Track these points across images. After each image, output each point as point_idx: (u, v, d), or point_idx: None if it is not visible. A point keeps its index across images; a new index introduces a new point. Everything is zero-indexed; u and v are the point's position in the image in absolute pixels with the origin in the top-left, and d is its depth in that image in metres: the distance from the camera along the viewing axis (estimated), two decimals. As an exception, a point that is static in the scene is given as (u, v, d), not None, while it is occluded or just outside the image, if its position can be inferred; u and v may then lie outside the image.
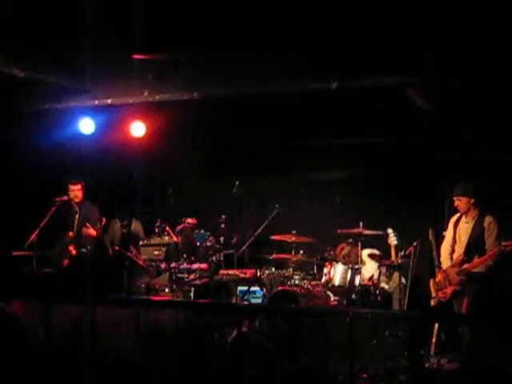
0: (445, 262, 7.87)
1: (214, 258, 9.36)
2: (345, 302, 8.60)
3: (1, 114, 8.88)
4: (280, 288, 8.72)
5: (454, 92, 7.61)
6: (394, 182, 9.35)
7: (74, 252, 9.11)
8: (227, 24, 6.41)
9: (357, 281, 8.63)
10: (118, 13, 6.59)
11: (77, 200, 9.27)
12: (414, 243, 8.26)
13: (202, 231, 9.62)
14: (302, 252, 9.13)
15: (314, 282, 8.96)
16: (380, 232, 8.62)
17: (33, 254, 8.70)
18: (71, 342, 6.59)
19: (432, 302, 7.89)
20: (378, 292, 8.61)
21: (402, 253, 8.33)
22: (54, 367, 6.36)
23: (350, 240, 9.01)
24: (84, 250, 9.16)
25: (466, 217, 7.81)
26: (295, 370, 6.45)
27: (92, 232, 9.10)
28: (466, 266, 7.60)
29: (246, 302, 8.97)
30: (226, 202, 9.66)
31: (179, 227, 9.89)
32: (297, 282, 8.92)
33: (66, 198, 9.19)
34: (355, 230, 8.65)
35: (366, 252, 8.95)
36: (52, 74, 8.24)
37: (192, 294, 9.05)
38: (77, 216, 9.24)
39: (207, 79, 7.97)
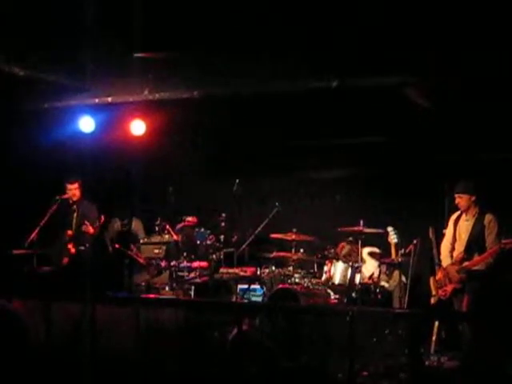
0: (445, 260, 7.87)
1: (214, 256, 9.36)
2: (345, 301, 8.59)
3: (1, 113, 8.88)
4: (280, 286, 8.73)
5: (453, 91, 7.62)
6: (394, 181, 9.36)
7: (73, 250, 9.12)
8: (227, 24, 6.41)
9: (357, 279, 8.63)
10: (119, 12, 6.59)
11: (74, 198, 9.29)
12: (414, 241, 8.26)
13: (202, 229, 9.62)
14: (302, 250, 9.13)
15: (314, 281, 8.96)
16: (380, 230, 8.62)
17: (33, 253, 8.71)
18: (71, 340, 6.60)
19: (432, 300, 7.89)
20: (378, 290, 8.62)
21: (403, 251, 8.33)
22: (54, 365, 6.37)
23: (351, 238, 9.01)
24: (83, 247, 9.17)
25: (466, 215, 7.81)
26: (295, 368, 6.46)
27: (91, 230, 9.10)
28: (466, 263, 7.60)
29: (246, 301, 8.98)
30: (226, 200, 9.66)
31: (179, 225, 9.89)
32: (297, 280, 8.92)
33: (66, 196, 9.21)
34: (355, 229, 8.66)
35: (366, 250, 8.95)
36: (52, 72, 8.25)
37: (192, 293, 9.06)
38: (75, 214, 9.27)
39: (207, 78, 7.97)
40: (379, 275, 8.80)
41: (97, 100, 8.91)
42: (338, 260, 8.88)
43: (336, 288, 8.76)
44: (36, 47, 7.35)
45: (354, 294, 8.60)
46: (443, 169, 8.89)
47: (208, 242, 9.42)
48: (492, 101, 7.67)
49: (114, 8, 6.57)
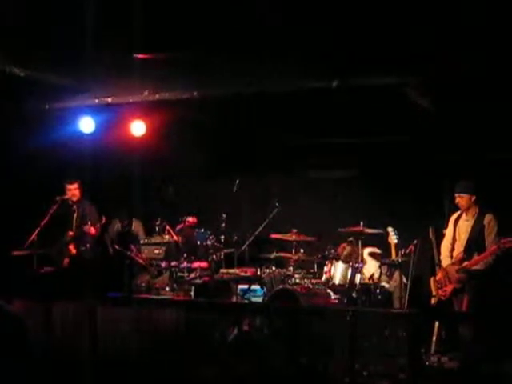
0: (445, 260, 7.87)
1: (214, 256, 9.37)
2: (345, 301, 8.59)
3: (2, 113, 8.88)
4: (280, 287, 8.73)
5: (454, 91, 7.62)
6: (395, 181, 9.37)
7: (73, 251, 9.12)
8: (227, 24, 6.41)
9: (357, 279, 8.64)
10: (119, 12, 6.59)
11: (74, 199, 9.30)
12: (415, 242, 8.26)
13: (203, 230, 9.63)
14: (302, 251, 9.14)
15: (314, 281, 8.96)
16: (380, 231, 8.62)
17: (33, 254, 8.71)
18: (72, 341, 6.60)
19: (432, 301, 7.89)
20: (378, 290, 8.62)
21: (403, 251, 8.33)
22: (55, 366, 6.36)
23: (351, 239, 9.01)
24: (84, 248, 9.17)
25: (466, 215, 7.82)
26: (296, 369, 6.46)
27: (92, 230, 9.11)
28: (465, 263, 7.60)
29: (246, 301, 8.99)
30: (226, 200, 9.67)
31: (179, 226, 9.90)
32: (297, 280, 8.93)
33: (66, 196, 9.22)
34: (356, 229, 8.66)
35: (366, 251, 8.96)
36: (53, 73, 8.25)
37: (192, 293, 9.06)
38: (75, 215, 9.26)
39: (207, 78, 7.97)
40: (379, 275, 8.81)
41: (97, 101, 8.92)
42: (338, 260, 8.89)
43: (336, 288, 8.76)
44: (36, 48, 7.35)
45: (354, 295, 8.61)
46: (443, 169, 8.89)
47: (208, 243, 9.43)
48: (492, 101, 7.67)
49: (114, 9, 6.57)
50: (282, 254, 9.27)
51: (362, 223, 8.61)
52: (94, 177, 9.62)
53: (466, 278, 7.57)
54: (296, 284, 8.84)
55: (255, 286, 9.19)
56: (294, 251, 9.05)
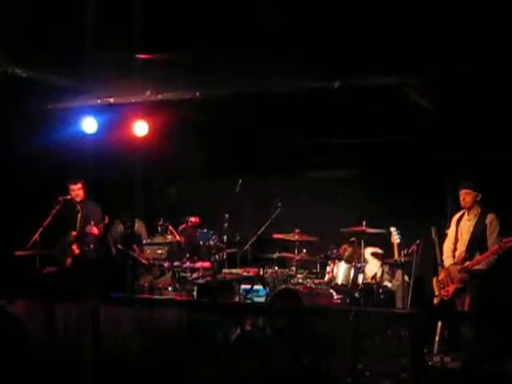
0: (447, 260, 7.87)
1: (216, 256, 9.38)
2: (348, 301, 8.59)
3: (4, 114, 8.89)
4: (283, 287, 8.73)
5: (455, 91, 7.61)
6: (397, 181, 9.36)
7: (77, 251, 9.12)
8: (228, 24, 6.42)
9: (360, 279, 8.63)
10: (120, 12, 6.60)
11: (78, 199, 9.28)
12: (417, 241, 8.25)
13: (205, 230, 9.63)
14: (304, 251, 9.12)
15: (317, 281, 8.95)
16: (383, 230, 8.62)
17: (36, 254, 8.71)
18: (74, 341, 6.61)
19: (435, 301, 7.89)
20: (381, 290, 8.61)
21: (405, 251, 8.32)
22: (57, 367, 6.37)
23: (353, 239, 9.01)
24: (87, 248, 9.17)
25: (468, 214, 7.82)
26: (298, 369, 6.46)
27: (95, 230, 9.11)
28: (467, 263, 7.60)
29: (249, 301, 8.98)
30: (228, 200, 9.67)
31: (182, 226, 9.90)
32: (300, 280, 8.92)
33: (69, 197, 9.21)
34: (358, 229, 8.66)
35: (368, 250, 8.96)
36: (55, 73, 8.25)
37: (195, 293, 9.06)
38: (79, 215, 9.26)
39: (209, 79, 7.98)
40: (382, 275, 8.80)
41: (99, 101, 8.93)
42: (340, 260, 8.89)
43: (339, 288, 8.75)
44: (38, 48, 7.36)
45: (356, 294, 8.61)
46: (445, 169, 8.89)
47: (211, 243, 9.43)
48: (493, 100, 7.66)
49: (115, 9, 6.58)
50: (284, 254, 9.26)
51: (364, 223, 8.61)
52: (96, 177, 9.61)
53: (468, 277, 7.57)
54: (298, 284, 8.84)
55: (258, 286, 9.19)
56: (296, 251, 9.04)
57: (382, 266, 8.84)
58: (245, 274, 9.24)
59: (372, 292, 8.61)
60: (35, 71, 8.04)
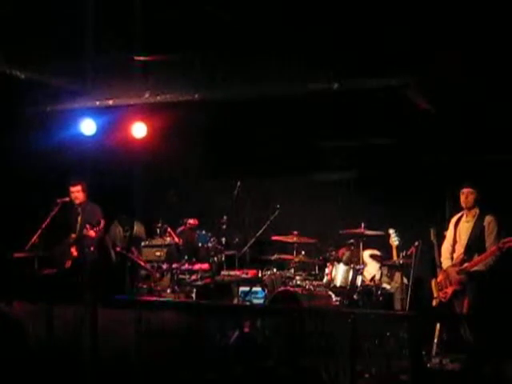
0: (445, 261, 7.87)
1: (215, 258, 9.36)
2: (346, 303, 8.59)
3: (3, 116, 8.89)
4: (282, 289, 8.72)
5: (454, 93, 7.62)
6: (396, 183, 9.36)
7: (75, 253, 9.10)
8: (228, 26, 6.43)
9: (358, 281, 8.63)
10: (119, 15, 6.61)
11: (77, 201, 9.26)
12: (416, 243, 8.25)
13: (204, 232, 9.62)
14: (303, 252, 9.12)
15: (315, 283, 8.95)
16: (381, 232, 8.62)
17: (34, 256, 8.70)
18: (72, 344, 6.60)
19: (434, 302, 7.88)
20: (379, 292, 8.61)
21: (404, 253, 8.32)
22: (55, 369, 6.36)
23: (352, 240, 9.01)
24: (86, 250, 9.15)
25: (466, 216, 7.82)
26: (297, 371, 6.45)
27: (92, 233, 9.08)
28: (466, 265, 7.60)
29: (247, 303, 8.98)
30: (227, 202, 9.66)
31: (181, 228, 9.90)
32: (298, 282, 8.91)
33: (67, 199, 9.20)
34: (357, 231, 8.66)
35: (367, 253, 8.95)
36: (53, 75, 8.26)
37: (193, 295, 9.06)
38: (79, 218, 9.24)
39: (208, 80, 7.99)
40: (380, 277, 8.80)
41: (98, 103, 8.93)
42: (339, 262, 8.88)
43: (337, 290, 8.74)
44: (37, 50, 7.37)
45: (355, 296, 8.60)
46: (444, 171, 8.89)
47: (209, 245, 9.42)
48: (493, 102, 7.67)
49: (114, 11, 6.59)
50: (283, 256, 9.26)
51: (362, 225, 8.61)
52: (94, 179, 9.61)
53: (466, 279, 7.57)
54: (297, 286, 8.83)
55: (256, 288, 9.18)
56: (295, 253, 9.03)
57: (380, 267, 8.84)
58: (243, 275, 9.23)
59: (371, 294, 8.60)
60: (34, 73, 8.05)
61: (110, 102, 8.83)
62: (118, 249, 9.62)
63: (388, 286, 8.88)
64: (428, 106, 8.02)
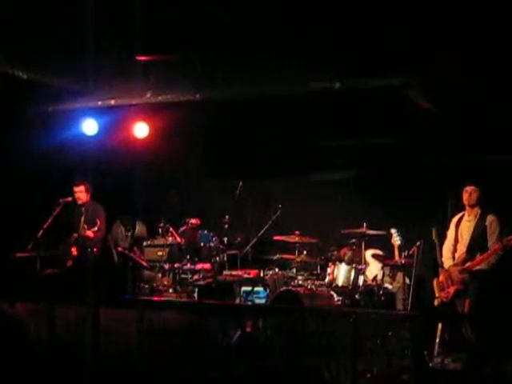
0: (447, 261, 7.86)
1: (217, 258, 9.37)
2: (348, 302, 8.59)
3: (5, 116, 8.90)
4: (283, 288, 8.72)
5: (456, 93, 7.61)
6: (398, 183, 9.35)
7: (75, 253, 9.11)
8: (229, 26, 6.44)
9: (360, 281, 8.63)
10: (120, 15, 6.61)
11: (80, 201, 9.28)
12: (418, 243, 8.25)
13: (206, 232, 9.63)
14: (305, 252, 9.12)
15: (317, 283, 8.94)
16: (383, 232, 8.62)
17: (36, 256, 8.71)
18: (74, 344, 6.60)
19: (436, 302, 7.88)
20: (381, 292, 8.60)
21: (406, 253, 8.32)
22: (57, 368, 6.37)
23: (354, 240, 9.00)
24: (88, 250, 9.16)
25: (468, 215, 7.82)
26: (298, 371, 6.46)
27: (89, 234, 9.08)
28: (468, 264, 7.59)
29: (249, 303, 8.98)
30: (229, 202, 9.66)
31: (182, 228, 9.90)
32: (300, 282, 8.91)
33: (70, 199, 9.21)
34: (359, 231, 8.66)
35: (369, 252, 8.94)
36: (55, 75, 8.27)
37: (195, 295, 9.06)
38: (82, 217, 9.25)
39: (209, 80, 7.99)
40: (382, 277, 8.79)
41: (100, 103, 8.94)
42: (341, 262, 8.88)
43: (339, 290, 8.74)
44: (39, 50, 7.37)
45: (357, 296, 8.60)
46: (446, 170, 8.89)
47: (211, 244, 9.43)
48: (495, 102, 7.66)
49: (115, 11, 6.60)
50: (284, 256, 9.26)
51: (364, 225, 8.61)
52: (96, 179, 9.62)
53: (468, 278, 7.56)
54: (299, 286, 8.83)
55: (258, 288, 9.18)
56: (296, 253, 9.03)
57: (382, 267, 8.82)
58: (245, 275, 9.23)
59: (372, 294, 8.60)
60: (36, 73, 8.06)
61: (112, 102, 8.84)
62: (119, 249, 9.62)
63: (390, 286, 8.87)
64: (429, 106, 8.02)
